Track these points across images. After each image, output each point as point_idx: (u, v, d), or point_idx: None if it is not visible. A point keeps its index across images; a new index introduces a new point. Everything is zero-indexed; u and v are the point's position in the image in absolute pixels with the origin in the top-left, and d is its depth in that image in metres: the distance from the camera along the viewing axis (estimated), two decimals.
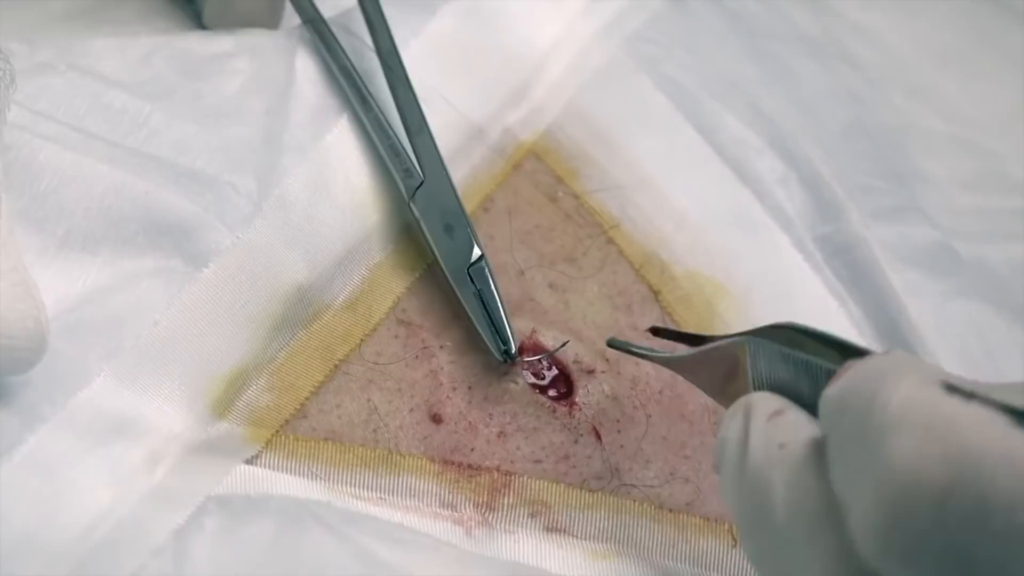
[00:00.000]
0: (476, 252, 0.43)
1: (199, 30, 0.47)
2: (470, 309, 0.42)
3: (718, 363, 0.36)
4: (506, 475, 0.40)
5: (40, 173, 0.39)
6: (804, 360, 0.32)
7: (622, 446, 0.42)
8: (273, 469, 0.38)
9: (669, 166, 0.49)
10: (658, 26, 0.52)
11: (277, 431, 0.39)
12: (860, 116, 0.52)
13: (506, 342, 0.41)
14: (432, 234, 0.43)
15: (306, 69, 0.46)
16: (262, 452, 0.38)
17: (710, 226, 0.48)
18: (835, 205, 0.48)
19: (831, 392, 0.28)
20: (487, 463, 0.40)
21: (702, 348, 0.37)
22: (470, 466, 0.40)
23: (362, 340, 0.42)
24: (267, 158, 0.43)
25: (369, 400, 0.41)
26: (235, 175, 0.42)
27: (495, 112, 0.48)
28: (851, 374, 0.27)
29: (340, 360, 0.41)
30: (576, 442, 0.41)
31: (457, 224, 0.43)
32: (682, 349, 0.39)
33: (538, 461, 0.41)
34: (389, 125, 0.45)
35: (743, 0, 0.54)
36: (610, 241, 0.47)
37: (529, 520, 0.39)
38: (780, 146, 0.50)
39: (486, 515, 0.39)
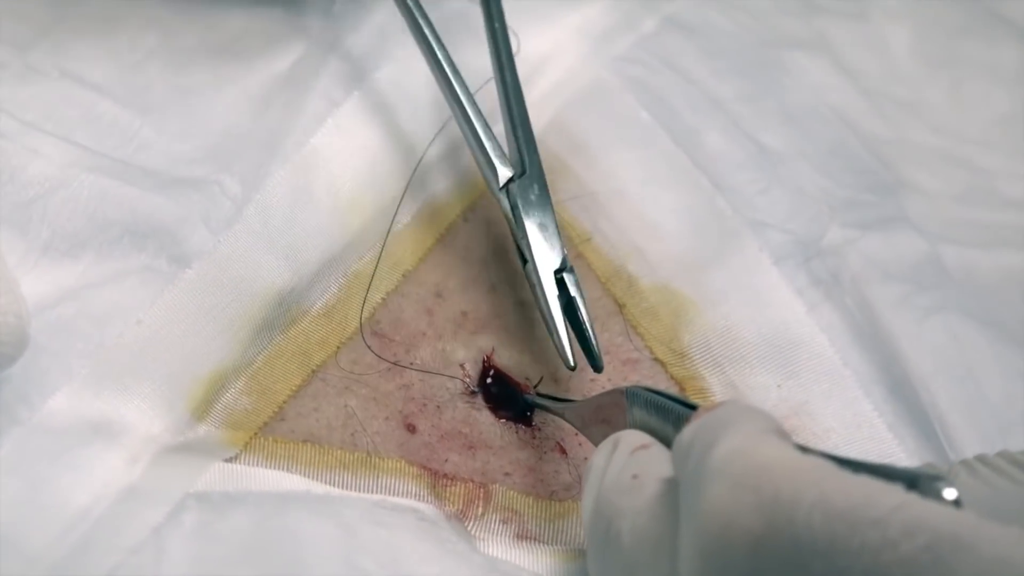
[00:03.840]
0: (563, 258, 0.44)
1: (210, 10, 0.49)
2: (553, 315, 0.43)
3: (598, 413, 0.39)
4: (479, 486, 0.43)
5: (28, 184, 0.42)
6: (667, 405, 0.35)
7: (586, 458, 0.45)
8: (252, 467, 0.40)
9: (646, 178, 0.50)
10: (647, 47, 0.54)
11: (255, 434, 0.41)
12: (849, 129, 0.54)
13: (595, 356, 0.43)
14: (529, 231, 0.44)
15: (302, 64, 0.49)
16: (240, 454, 0.41)
17: (683, 237, 0.49)
18: (818, 217, 0.50)
19: (682, 437, 0.30)
20: (461, 473, 0.43)
21: (586, 399, 0.41)
22: (446, 475, 0.43)
23: (338, 348, 0.44)
24: (253, 160, 0.45)
25: (346, 405, 0.43)
26: (222, 177, 0.44)
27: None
28: (699, 422, 0.29)
29: (317, 366, 0.44)
30: (540, 459, 0.44)
31: (550, 225, 0.44)
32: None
33: (508, 474, 0.44)
34: (479, 110, 0.46)
35: (734, 13, 0.56)
36: (579, 255, 0.49)
37: (501, 527, 0.42)
38: (763, 159, 0.51)
39: (460, 522, 0.41)
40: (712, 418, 0.29)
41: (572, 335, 0.43)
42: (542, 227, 0.44)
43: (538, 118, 0.51)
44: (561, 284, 0.43)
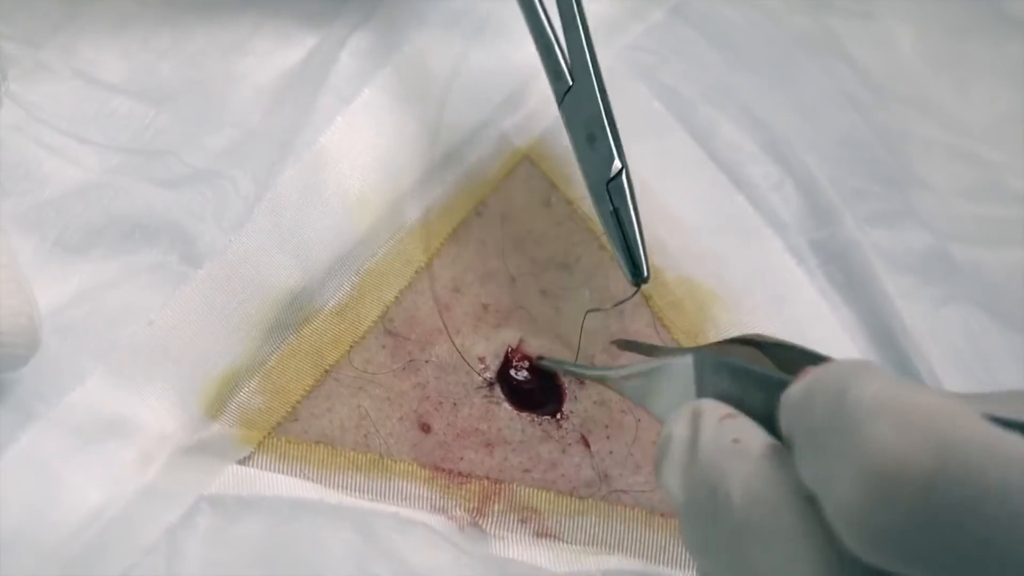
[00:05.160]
0: (616, 165, 0.43)
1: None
2: (605, 227, 0.42)
3: (658, 380, 0.38)
4: (496, 483, 0.43)
5: (42, 182, 0.43)
6: (757, 372, 0.34)
7: (611, 452, 0.45)
8: (265, 470, 0.41)
9: (663, 171, 0.51)
10: (656, 36, 0.54)
11: (269, 433, 0.42)
12: (858, 122, 0.54)
13: (638, 265, 0.42)
14: (575, 143, 0.43)
15: (313, 60, 0.49)
16: (254, 453, 0.42)
17: (703, 231, 0.50)
18: (830, 210, 0.50)
19: (793, 391, 0.29)
20: (477, 471, 0.43)
21: (642, 364, 0.39)
22: (460, 473, 0.43)
23: (351, 347, 0.45)
24: (265, 158, 0.46)
25: (360, 406, 0.44)
26: (234, 174, 0.45)
27: (490, 117, 0.51)
28: (814, 376, 0.29)
29: (330, 366, 0.44)
30: (564, 452, 0.45)
31: (600, 134, 0.43)
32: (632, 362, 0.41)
33: (527, 470, 0.44)
34: (549, 20, 0.45)
35: (742, 7, 0.57)
36: (602, 247, 0.49)
37: (519, 526, 0.43)
38: (775, 152, 0.52)
39: (476, 519, 0.42)
40: (828, 371, 0.28)
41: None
42: (590, 139, 0.43)
43: (549, 110, 0.50)
44: (611, 194, 0.42)
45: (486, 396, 0.45)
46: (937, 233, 0.51)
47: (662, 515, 0.43)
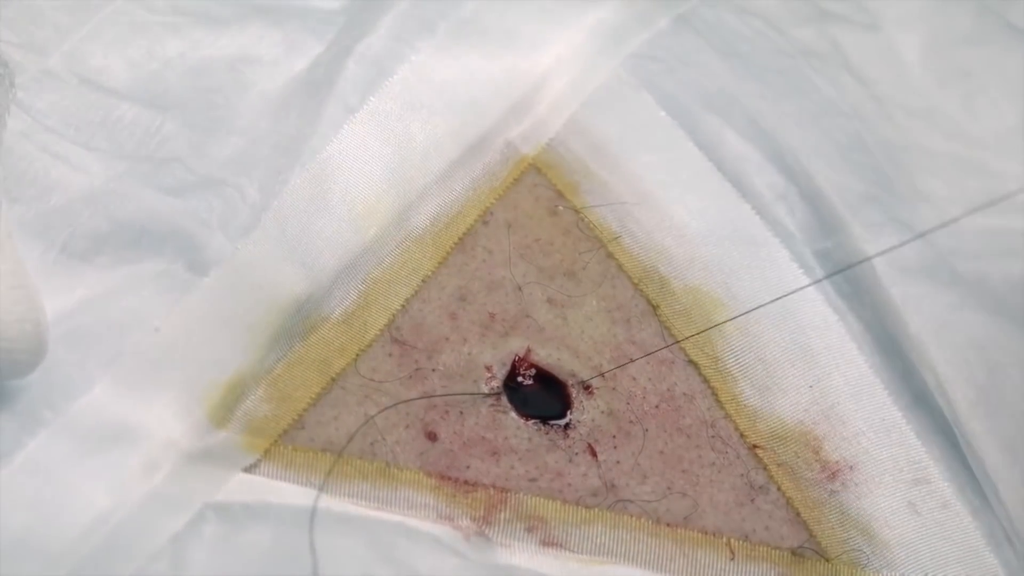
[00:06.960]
0: None
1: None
2: None
3: None
4: (502, 491, 0.43)
5: (49, 190, 0.43)
6: None
7: (618, 462, 0.45)
8: (271, 478, 0.41)
9: (669, 181, 0.51)
10: (661, 43, 0.55)
11: (275, 441, 0.43)
12: (862, 132, 0.54)
13: None
14: None
15: (319, 68, 0.49)
16: (260, 461, 0.42)
17: (709, 241, 0.50)
18: (835, 220, 0.50)
19: None
20: (483, 480, 0.43)
21: None
22: (466, 482, 0.43)
23: (357, 355, 0.45)
24: (272, 166, 0.46)
25: (366, 414, 0.44)
26: (241, 182, 0.46)
27: (497, 125, 0.51)
28: None
29: (336, 374, 0.45)
30: (571, 461, 0.45)
31: None
32: None
33: (533, 479, 0.44)
34: None
35: (747, 18, 0.57)
36: (609, 255, 0.50)
37: (526, 535, 0.43)
38: (780, 161, 0.52)
39: (482, 528, 0.42)
40: None
41: None
42: None
43: (556, 119, 0.52)
44: None
45: (493, 405, 0.45)
46: (942, 243, 0.51)
47: (668, 525, 0.43)
